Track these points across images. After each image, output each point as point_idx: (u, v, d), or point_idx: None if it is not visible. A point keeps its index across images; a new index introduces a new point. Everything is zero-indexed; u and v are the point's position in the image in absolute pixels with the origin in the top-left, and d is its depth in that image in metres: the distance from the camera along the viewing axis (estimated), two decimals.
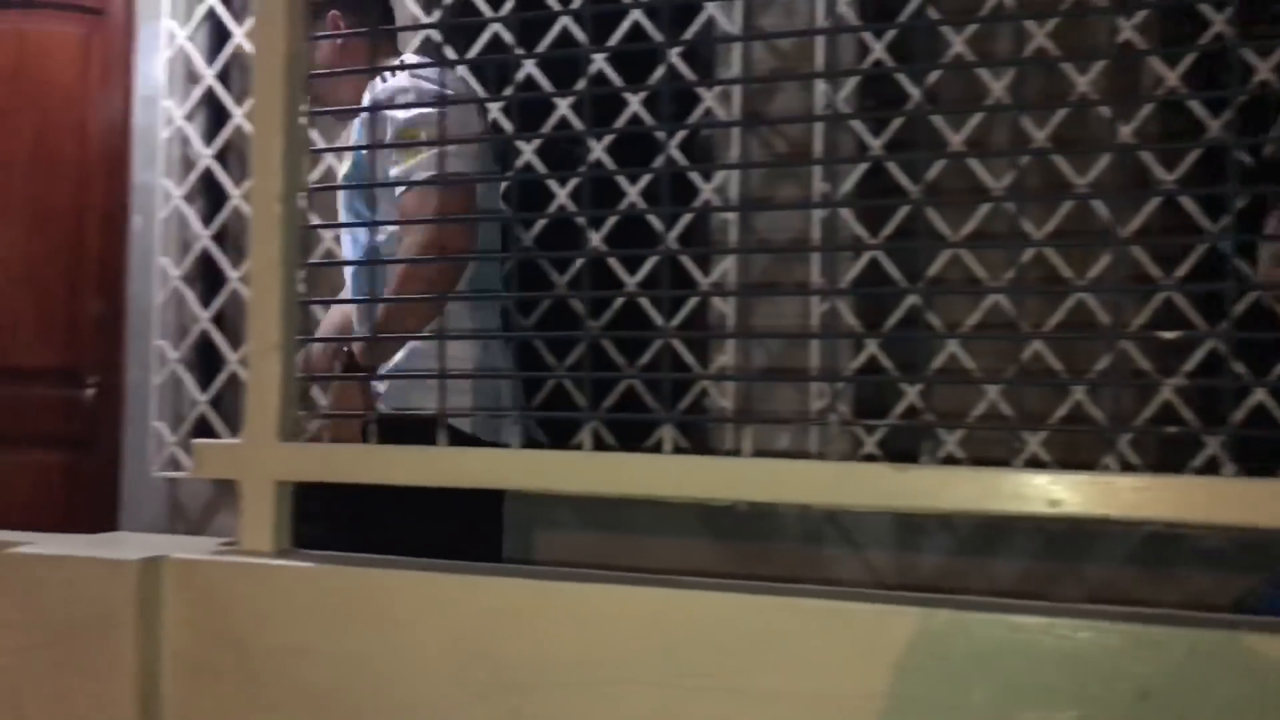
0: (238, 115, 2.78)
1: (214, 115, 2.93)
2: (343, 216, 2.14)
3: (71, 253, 3.15)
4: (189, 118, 2.88)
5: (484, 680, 1.39)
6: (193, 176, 2.86)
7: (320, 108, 1.80)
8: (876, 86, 2.77)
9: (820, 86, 2.63)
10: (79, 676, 1.61)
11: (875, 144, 2.58)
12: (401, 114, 2.01)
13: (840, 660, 1.20)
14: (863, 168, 2.61)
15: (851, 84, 2.62)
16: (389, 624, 1.44)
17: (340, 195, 2.14)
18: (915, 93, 2.49)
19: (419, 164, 2.00)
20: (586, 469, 1.43)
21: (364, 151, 2.04)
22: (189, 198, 2.88)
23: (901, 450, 2.41)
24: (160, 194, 2.89)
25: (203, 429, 2.82)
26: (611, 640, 1.35)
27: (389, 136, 2.04)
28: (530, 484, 1.49)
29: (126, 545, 1.72)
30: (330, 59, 2.14)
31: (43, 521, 1.92)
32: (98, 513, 2.98)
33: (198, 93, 2.87)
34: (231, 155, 2.90)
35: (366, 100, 2.06)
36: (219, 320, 2.84)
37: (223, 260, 2.81)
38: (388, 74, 2.08)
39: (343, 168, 2.20)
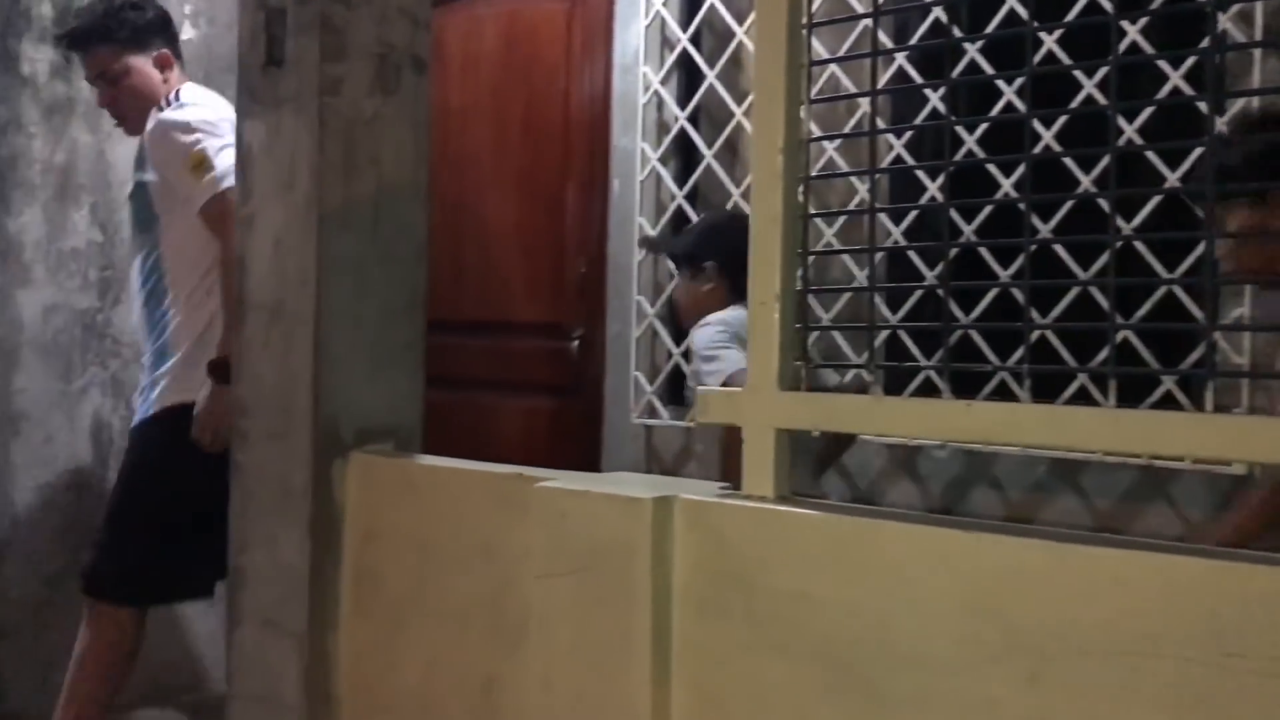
0: (710, 76, 2.87)
1: (687, 79, 3.04)
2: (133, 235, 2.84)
3: (556, 216, 3.41)
4: (663, 82, 3.01)
5: (997, 641, 1.34)
6: (668, 139, 3.00)
7: None
8: None
9: None
10: (597, 604, 1.74)
11: None
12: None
13: None
14: None
15: None
16: (895, 576, 1.43)
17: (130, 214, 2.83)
18: None
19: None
20: (1117, 426, 1.32)
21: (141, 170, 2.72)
22: (663, 159, 3.01)
23: None
24: (638, 157, 3.05)
25: (677, 380, 2.97)
26: (1140, 608, 1.25)
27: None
28: (1048, 439, 1.41)
29: (635, 484, 1.83)
30: None
31: (533, 461, 2.09)
32: (581, 455, 3.22)
33: (672, 57, 2.99)
34: (702, 117, 3.00)
35: None
36: None
37: (695, 218, 2.92)
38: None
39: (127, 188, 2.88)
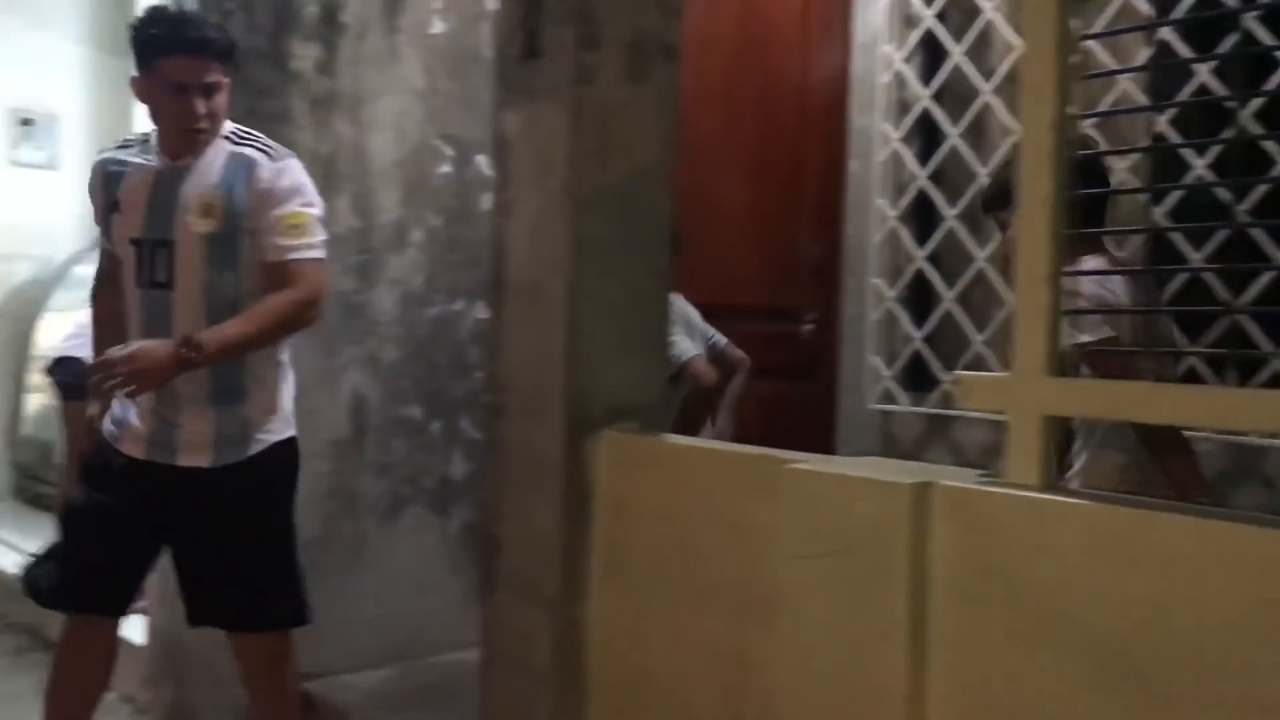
0: (956, 54, 2.80)
1: (930, 57, 2.98)
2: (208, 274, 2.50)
3: (791, 199, 3.41)
4: (906, 61, 2.96)
5: None
6: (909, 119, 2.95)
7: None
8: None
9: None
10: (851, 589, 1.74)
11: None
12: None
13: None
14: None
15: None
16: (1171, 569, 1.37)
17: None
18: None
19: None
20: None
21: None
22: (905, 140, 2.97)
23: None
24: (877, 138, 3.01)
25: (916, 365, 2.92)
26: None
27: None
28: None
29: (889, 469, 1.82)
30: None
31: (763, 445, 2.10)
32: (814, 440, 3.21)
33: (915, 36, 2.93)
34: (946, 96, 2.93)
35: None
36: (933, 259, 2.90)
37: (939, 199, 2.87)
38: None
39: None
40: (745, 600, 1.94)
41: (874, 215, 3.04)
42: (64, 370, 3.92)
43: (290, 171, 2.53)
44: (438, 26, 3.68)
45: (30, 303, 5.07)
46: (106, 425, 2.58)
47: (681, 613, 2.05)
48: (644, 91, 2.26)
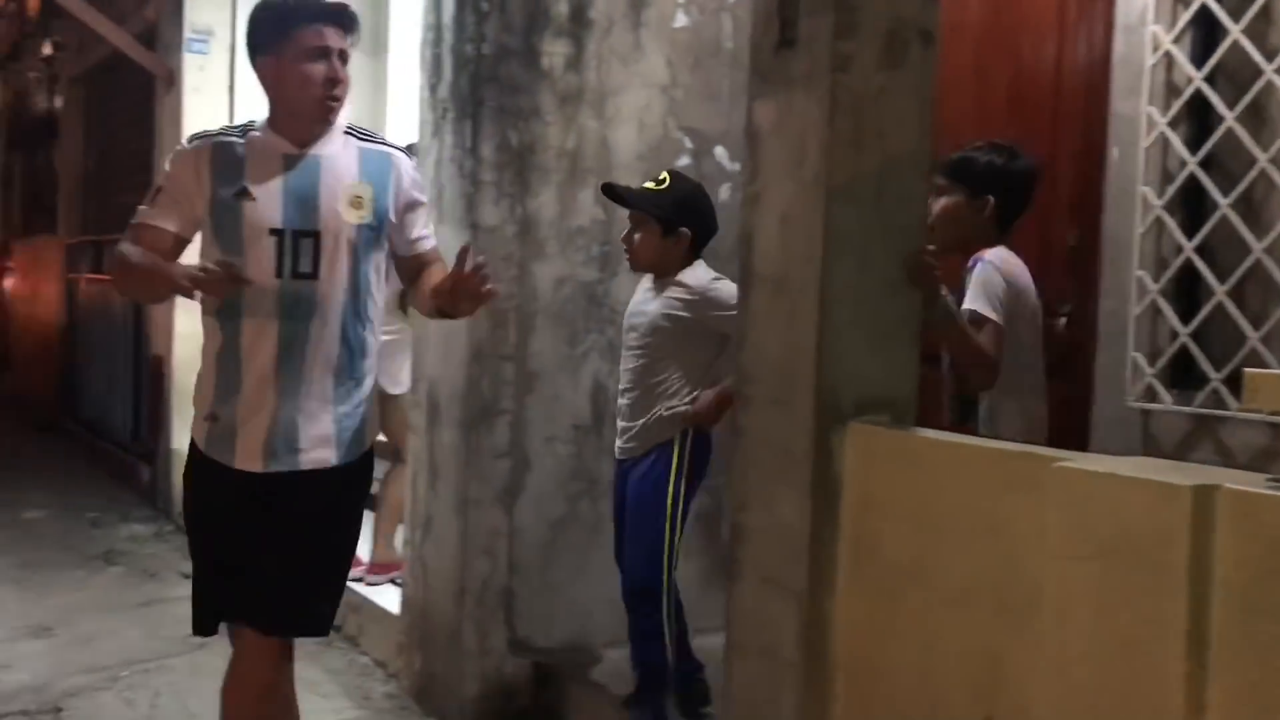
0: (1234, 31, 2.63)
1: (1203, 36, 2.81)
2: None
3: (1044, 187, 3.26)
4: (1175, 41, 2.80)
5: None
6: (1179, 102, 2.78)
7: None
8: None
9: None
10: (1124, 591, 1.66)
11: None
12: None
13: None
14: None
15: None
16: None
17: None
18: None
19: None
20: None
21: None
22: (1171, 124, 2.81)
23: None
24: (1143, 123, 2.86)
25: (1180, 361, 2.77)
26: None
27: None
28: None
29: (1164, 469, 1.73)
30: None
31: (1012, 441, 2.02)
32: (1064, 438, 3.08)
33: (1187, 15, 2.77)
34: (1219, 77, 2.76)
35: None
36: (1202, 249, 2.74)
37: (1210, 187, 2.70)
38: None
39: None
40: (1001, 600, 1.89)
41: (1138, 204, 2.88)
42: None
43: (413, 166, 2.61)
44: (681, 20, 3.73)
45: None
46: (204, 439, 2.46)
47: (932, 609, 2.01)
48: (900, 78, 2.22)
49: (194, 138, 2.51)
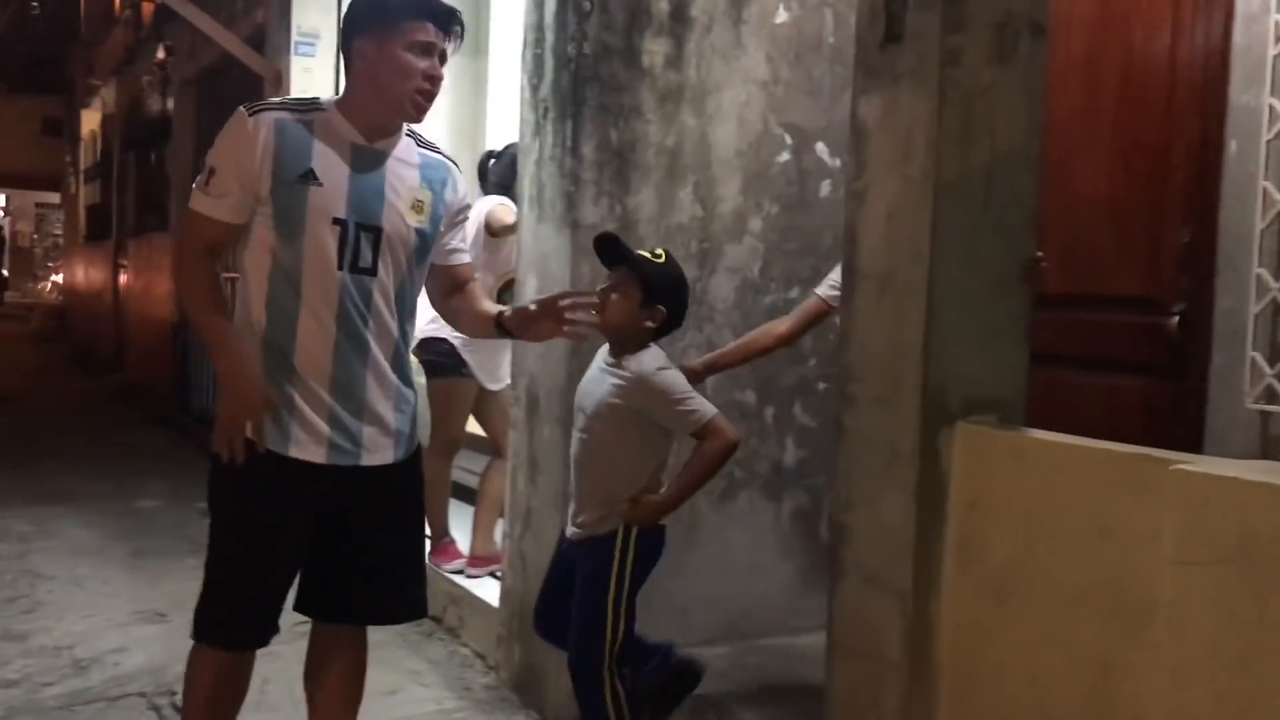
0: None
1: None
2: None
3: (1157, 181, 3.19)
4: None
5: None
6: None
7: None
8: None
9: None
10: (1247, 597, 1.61)
11: None
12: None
13: None
14: None
15: None
16: None
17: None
18: None
19: None
20: None
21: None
22: None
23: None
24: (1265, 115, 2.77)
25: None
26: None
27: None
28: None
29: None
30: None
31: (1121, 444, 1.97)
32: (1177, 440, 3.00)
33: None
34: None
35: None
36: None
37: None
38: None
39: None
40: (1114, 604, 1.85)
41: (1258, 199, 2.79)
42: (427, 349, 4.28)
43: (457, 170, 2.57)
44: (782, 15, 3.71)
45: None
46: (268, 431, 2.34)
47: (1041, 612, 1.98)
48: (1009, 72, 2.19)
49: (254, 109, 2.35)
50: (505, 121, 5.42)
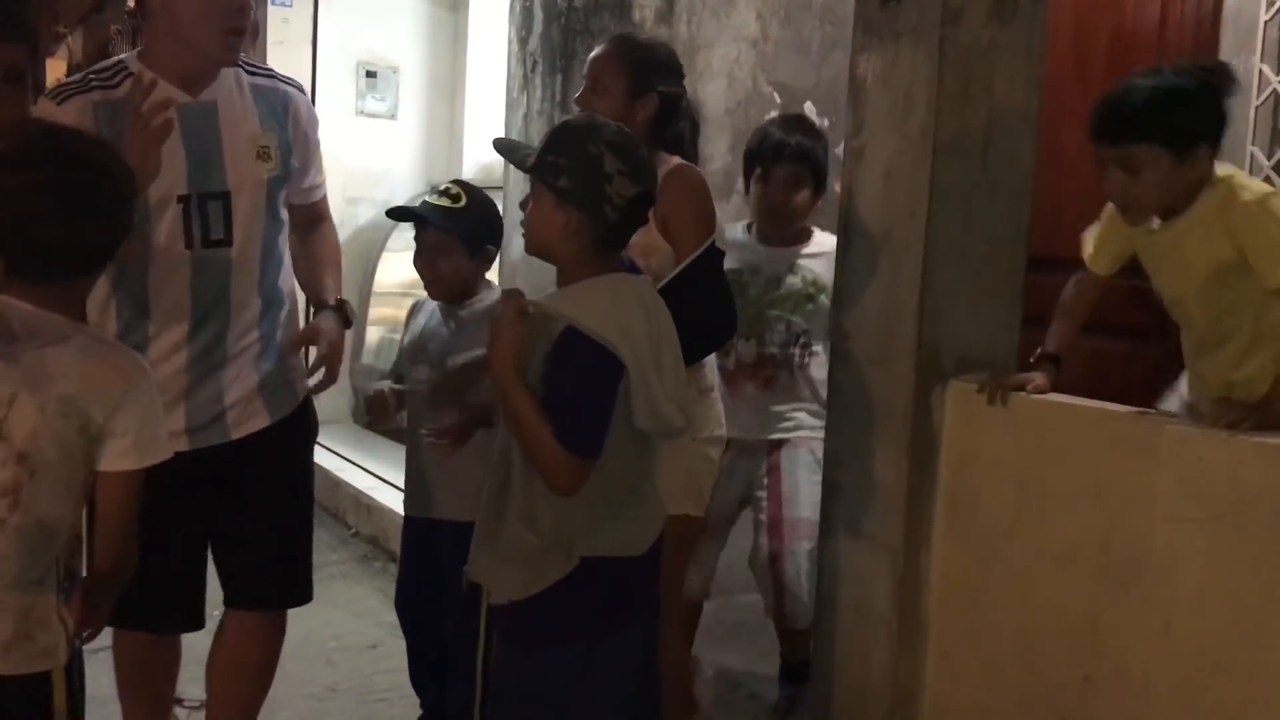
0: None
1: None
2: None
3: None
4: None
5: None
6: None
7: None
8: None
9: None
10: (1236, 555, 1.64)
11: None
12: None
13: None
14: None
15: None
16: None
17: None
18: None
19: None
20: None
21: None
22: None
23: None
24: (1254, 80, 2.79)
25: None
26: None
27: None
28: None
29: None
30: None
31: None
32: (1154, 403, 3.03)
33: None
34: None
35: None
36: None
37: None
38: None
39: None
40: (1104, 561, 1.87)
41: (1245, 164, 2.81)
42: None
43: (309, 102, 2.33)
44: None
45: (370, 243, 5.50)
46: None
47: (1030, 569, 2.00)
48: (1010, 31, 2.18)
49: (60, 94, 2.08)
50: (485, 77, 5.37)
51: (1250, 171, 2.81)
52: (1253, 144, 2.80)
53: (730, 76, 3.64)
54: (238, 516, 2.24)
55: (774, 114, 3.67)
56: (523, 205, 1.89)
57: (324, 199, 2.42)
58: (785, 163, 2.73)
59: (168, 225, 2.08)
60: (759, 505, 2.76)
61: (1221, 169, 1.94)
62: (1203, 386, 2.04)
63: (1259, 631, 1.61)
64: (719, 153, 3.61)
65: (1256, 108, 2.79)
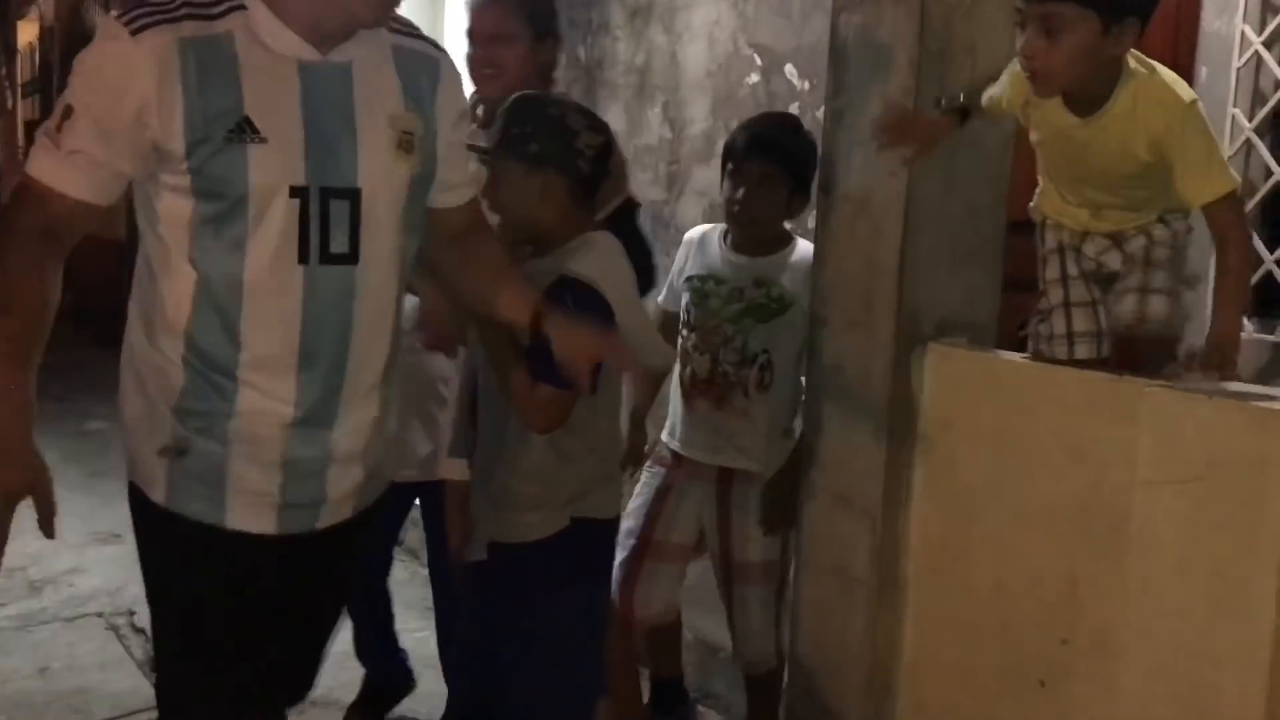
0: None
1: None
2: None
3: None
4: None
5: None
6: (1277, 19, 2.69)
7: None
8: None
9: None
10: (1216, 517, 1.64)
11: None
12: None
13: None
14: None
15: None
16: None
17: None
18: None
19: None
20: None
21: None
22: (1268, 43, 2.71)
23: None
24: (1236, 41, 2.77)
25: (1264, 289, 2.70)
26: None
27: None
28: None
29: (1260, 395, 1.70)
30: None
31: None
32: (1155, 365, 3.03)
33: None
34: None
35: None
36: None
37: None
38: None
39: None
40: (1083, 524, 1.88)
41: (1226, 126, 2.80)
42: None
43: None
44: None
45: None
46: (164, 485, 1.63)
47: (1009, 531, 2.01)
48: None
49: (137, 21, 1.49)
50: (461, 34, 5.30)
51: (1231, 134, 2.80)
52: (1234, 105, 2.79)
53: (711, 38, 3.60)
54: (294, 612, 1.76)
55: (755, 77, 3.66)
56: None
57: (476, 200, 1.88)
58: (755, 158, 2.51)
59: (277, 225, 1.54)
60: (710, 545, 2.66)
61: (1132, 60, 1.90)
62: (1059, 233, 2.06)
63: (1237, 593, 1.61)
64: (699, 116, 3.59)
65: (1238, 69, 2.78)
